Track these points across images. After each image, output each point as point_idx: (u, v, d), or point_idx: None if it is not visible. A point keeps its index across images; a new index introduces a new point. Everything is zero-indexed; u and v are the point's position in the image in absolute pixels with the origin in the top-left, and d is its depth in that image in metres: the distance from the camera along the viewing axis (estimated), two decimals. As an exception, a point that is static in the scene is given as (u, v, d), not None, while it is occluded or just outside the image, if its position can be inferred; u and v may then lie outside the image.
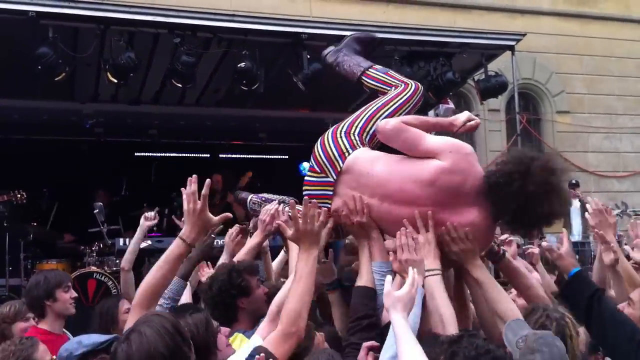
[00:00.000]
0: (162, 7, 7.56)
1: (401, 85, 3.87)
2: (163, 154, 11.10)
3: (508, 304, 3.09)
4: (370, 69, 4.07)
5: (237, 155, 11.62)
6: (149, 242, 7.70)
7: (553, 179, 2.98)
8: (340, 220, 3.47)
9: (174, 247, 3.06)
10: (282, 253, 4.74)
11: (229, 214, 3.58)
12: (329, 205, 3.50)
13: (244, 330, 3.54)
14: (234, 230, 4.66)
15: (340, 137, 3.58)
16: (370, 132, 3.62)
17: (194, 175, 3.10)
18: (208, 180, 3.09)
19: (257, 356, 2.75)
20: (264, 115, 9.92)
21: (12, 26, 6.94)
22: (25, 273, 8.30)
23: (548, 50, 16.34)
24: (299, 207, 3.25)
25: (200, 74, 7.91)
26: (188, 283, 4.10)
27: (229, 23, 7.52)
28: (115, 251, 8.41)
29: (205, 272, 4.56)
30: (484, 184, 3.09)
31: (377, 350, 2.96)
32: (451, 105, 9.82)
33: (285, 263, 4.43)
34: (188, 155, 11.29)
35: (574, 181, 11.88)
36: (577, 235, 12.26)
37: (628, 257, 3.98)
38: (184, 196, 3.09)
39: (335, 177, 3.48)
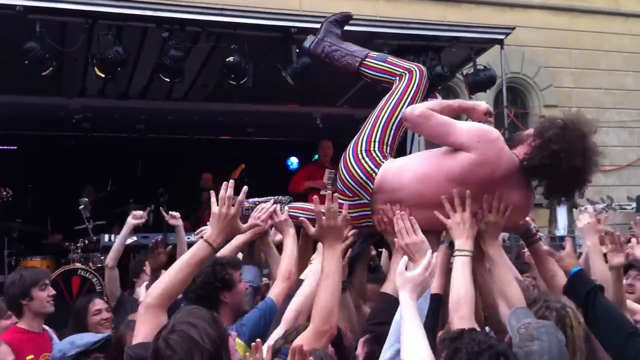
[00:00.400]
0: (151, 1, 7.46)
1: (405, 74, 3.78)
2: (150, 149, 11.01)
3: (515, 288, 3.15)
4: (367, 59, 3.98)
5: (226, 151, 11.55)
6: (135, 238, 7.68)
7: (589, 144, 3.08)
8: (384, 232, 3.48)
9: (198, 249, 2.94)
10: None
11: (259, 223, 3.68)
12: (372, 223, 3.54)
13: (226, 325, 3.51)
14: None
15: (363, 157, 3.55)
16: (389, 142, 3.60)
17: (232, 181, 3.03)
18: (245, 188, 3.05)
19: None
20: (252, 110, 9.86)
21: (-1, 21, 6.85)
22: (10, 270, 8.21)
23: (537, 44, 16.36)
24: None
25: (188, 68, 7.85)
26: None
27: (217, 17, 7.45)
28: (100, 247, 8.39)
29: None
30: (526, 167, 3.15)
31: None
32: (440, 99, 9.81)
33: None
34: (175, 150, 11.20)
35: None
36: (562, 230, 12.35)
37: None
38: (214, 199, 3.03)
39: (369, 198, 3.50)
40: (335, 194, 3.20)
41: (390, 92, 3.76)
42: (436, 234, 3.37)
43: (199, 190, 10.68)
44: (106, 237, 8.42)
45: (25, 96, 8.59)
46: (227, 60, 7.53)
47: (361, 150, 3.58)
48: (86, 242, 8.78)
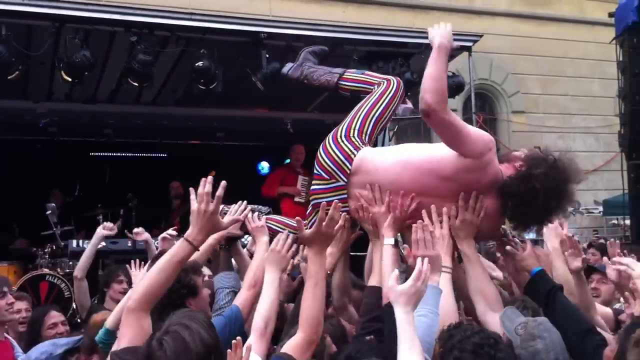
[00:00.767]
0: (119, 4, 7.45)
1: (383, 82, 3.92)
2: (118, 154, 10.91)
3: (491, 286, 3.26)
4: (345, 73, 4.15)
5: (195, 155, 11.48)
6: (103, 243, 7.59)
7: (568, 188, 3.23)
8: (360, 219, 3.54)
9: (179, 249, 2.85)
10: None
11: (240, 217, 3.64)
12: (347, 209, 3.57)
13: None
14: None
15: (342, 140, 3.65)
16: (368, 132, 3.70)
17: (210, 177, 2.95)
18: (224, 182, 2.98)
19: None
20: (222, 114, 9.83)
21: (-36, 24, 6.75)
22: (-24, 276, 8.09)
23: (504, 51, 16.60)
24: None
25: (157, 73, 7.80)
26: None
27: (186, 21, 7.41)
28: (68, 253, 8.27)
29: (139, 273, 4.48)
30: (506, 188, 3.26)
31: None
32: (410, 105, 9.84)
33: None
34: (144, 155, 11.11)
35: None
36: (531, 234, 12.47)
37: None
38: (194, 196, 2.93)
39: (345, 180, 3.56)
40: (339, 204, 3.20)
41: (369, 94, 3.89)
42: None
43: (168, 198, 10.63)
44: (74, 242, 8.31)
45: (-9, 100, 8.48)
46: (197, 64, 7.50)
47: (341, 136, 3.68)
48: (54, 247, 8.67)
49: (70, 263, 8.12)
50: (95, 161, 10.97)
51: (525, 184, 3.19)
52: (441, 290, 3.00)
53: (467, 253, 3.30)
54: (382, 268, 3.28)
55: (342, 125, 3.75)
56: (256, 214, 3.96)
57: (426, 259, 2.82)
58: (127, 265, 4.84)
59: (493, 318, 3.04)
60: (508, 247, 3.39)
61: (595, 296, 4.45)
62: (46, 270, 8.09)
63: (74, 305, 7.07)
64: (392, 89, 3.84)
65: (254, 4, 13.29)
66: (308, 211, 3.96)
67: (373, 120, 3.74)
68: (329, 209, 3.06)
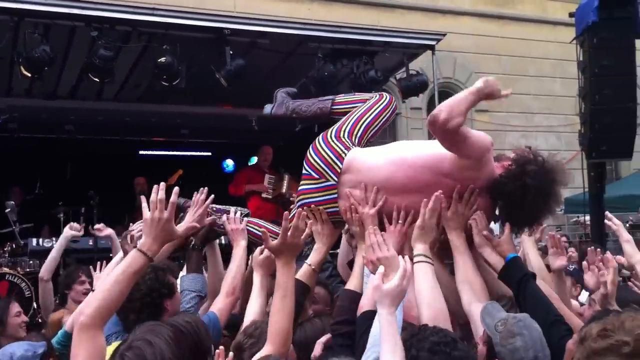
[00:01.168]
0: (79, -1, 7.30)
1: (375, 96, 3.96)
2: (80, 151, 10.75)
3: (478, 277, 3.25)
4: (337, 98, 4.17)
5: (159, 152, 11.39)
6: (63, 241, 7.49)
7: (556, 189, 3.26)
8: (348, 220, 3.51)
9: (133, 260, 2.67)
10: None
11: (196, 225, 3.54)
12: (337, 209, 3.54)
13: None
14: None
15: (332, 140, 3.64)
16: (358, 135, 3.69)
17: (162, 183, 2.85)
18: (176, 188, 2.85)
19: None
20: (186, 111, 9.76)
21: None
22: None
23: (468, 50, 16.75)
24: None
25: (119, 68, 7.72)
26: None
27: (148, 17, 7.34)
28: (28, 252, 8.10)
29: (97, 275, 4.40)
30: (496, 186, 3.29)
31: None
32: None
33: None
34: (106, 152, 10.97)
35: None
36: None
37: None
38: (145, 204, 2.82)
39: (336, 179, 3.52)
40: (304, 212, 3.18)
41: (362, 104, 3.92)
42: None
43: (132, 195, 10.51)
44: (34, 241, 8.15)
45: (-53, 95, 8.31)
46: (159, 60, 7.43)
47: (331, 136, 3.68)
48: (13, 246, 8.49)
49: (31, 262, 7.97)
50: (56, 158, 10.76)
51: (516, 181, 3.22)
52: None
53: (457, 244, 3.31)
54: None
55: (333, 127, 3.76)
56: (238, 214, 3.89)
57: (407, 257, 2.81)
58: (91, 267, 4.77)
59: (478, 308, 3.04)
60: (485, 232, 3.38)
61: None
62: (6, 270, 7.92)
63: (35, 305, 6.95)
64: (384, 101, 3.87)
65: (218, 0, 13.18)
66: (294, 212, 3.90)
67: (364, 125, 3.75)
68: (309, 213, 3.05)
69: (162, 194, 2.81)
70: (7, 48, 7.24)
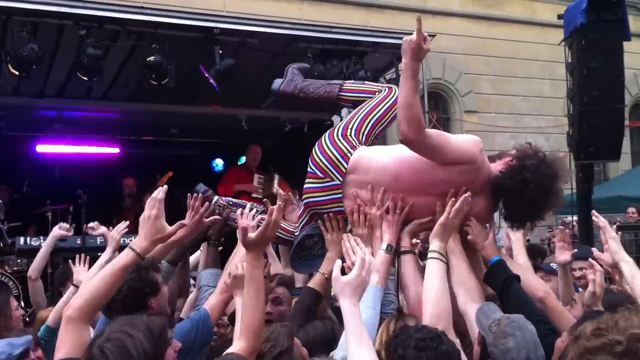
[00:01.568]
0: (68, -4, 7.26)
1: (385, 89, 3.91)
2: (68, 150, 10.70)
3: (474, 279, 3.27)
4: (345, 84, 4.13)
5: (148, 151, 11.34)
6: (51, 240, 7.46)
7: (557, 185, 3.29)
8: (353, 222, 3.50)
9: (121, 256, 2.76)
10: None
11: (185, 222, 3.51)
12: (342, 209, 3.54)
13: None
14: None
15: (338, 139, 3.61)
16: (366, 132, 3.67)
17: (165, 186, 2.91)
18: (165, 187, 2.91)
19: None
20: (175, 110, 9.72)
21: None
22: None
23: (457, 51, 16.79)
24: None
25: (108, 67, 7.68)
26: None
27: (137, 15, 7.31)
28: (15, 250, 8.06)
29: (80, 269, 4.38)
30: (496, 183, 3.31)
31: None
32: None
33: None
34: (94, 151, 10.92)
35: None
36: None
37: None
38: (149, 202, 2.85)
39: (341, 179, 3.51)
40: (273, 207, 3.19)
41: (370, 98, 3.87)
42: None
43: (121, 196, 10.48)
44: (21, 239, 8.11)
45: None
46: (148, 59, 7.40)
47: (337, 134, 3.65)
48: (1, 244, 8.45)
49: (19, 261, 7.95)
50: (44, 156, 10.71)
51: (516, 176, 3.24)
52: (381, 289, 3.01)
53: (452, 246, 3.31)
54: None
55: (340, 124, 3.75)
56: (253, 211, 3.85)
57: (366, 249, 2.82)
58: (70, 261, 4.75)
59: (474, 309, 3.06)
60: (469, 237, 3.40)
61: None
62: (-7, 268, 7.90)
63: (22, 304, 6.92)
64: (393, 96, 3.80)
65: (208, -1, 13.15)
66: (300, 211, 3.95)
67: (372, 122, 3.72)
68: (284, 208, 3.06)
69: (162, 195, 2.85)
70: (-6, 46, 7.22)
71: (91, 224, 5.75)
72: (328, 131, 3.75)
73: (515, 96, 17.60)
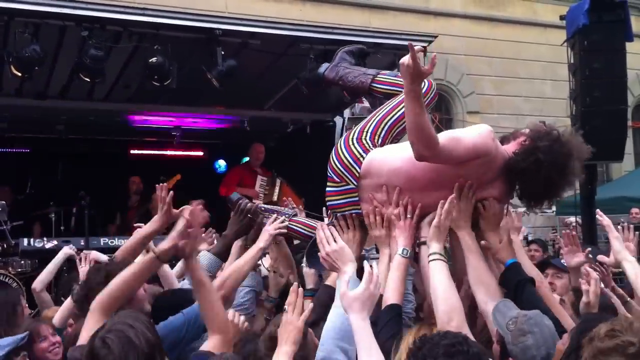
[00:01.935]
0: (70, -2, 7.26)
1: None
2: (71, 151, 10.71)
3: (491, 276, 3.27)
4: (379, 75, 4.12)
5: (150, 152, 11.34)
6: (55, 242, 7.48)
7: (572, 163, 3.27)
8: (370, 224, 3.53)
9: (145, 258, 3.07)
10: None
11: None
12: (360, 212, 3.59)
13: None
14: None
15: (353, 144, 3.65)
16: (382, 134, 3.68)
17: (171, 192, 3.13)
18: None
19: None
20: (177, 111, 9.72)
21: None
22: None
23: (459, 52, 16.78)
24: None
25: (110, 68, 7.67)
26: None
27: (139, 17, 7.29)
28: (19, 251, 8.07)
29: (86, 269, 4.41)
30: (511, 166, 3.32)
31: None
32: (366, 104, 9.90)
33: None
34: (97, 152, 10.93)
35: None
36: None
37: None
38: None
39: (355, 183, 3.55)
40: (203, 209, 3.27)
41: (398, 94, 3.85)
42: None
43: (124, 193, 10.48)
44: (25, 240, 8.10)
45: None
46: (150, 61, 7.40)
47: (352, 139, 3.69)
48: (4, 246, 8.45)
49: (22, 262, 7.96)
50: (47, 158, 10.73)
51: (529, 157, 3.24)
52: (357, 280, 2.99)
53: (468, 243, 3.32)
54: (390, 280, 3.24)
55: (356, 128, 3.78)
56: (281, 219, 4.01)
57: (375, 262, 2.82)
58: (77, 260, 4.78)
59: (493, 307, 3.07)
60: (483, 242, 3.40)
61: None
62: (-3, 270, 7.91)
63: (27, 304, 6.93)
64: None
65: (209, 1, 13.16)
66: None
67: (389, 124, 3.72)
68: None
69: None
70: (-4, 48, 7.22)
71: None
72: (344, 135, 3.79)
73: (517, 97, 17.59)
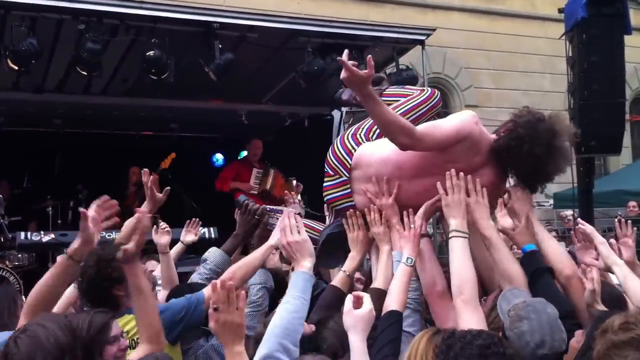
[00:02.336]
0: (66, -9, 7.23)
1: (416, 91, 4.09)
2: (68, 145, 10.68)
3: (517, 267, 3.25)
4: (387, 90, 4.27)
5: (148, 146, 11.31)
6: (52, 235, 7.47)
7: (557, 141, 3.26)
8: (371, 221, 3.55)
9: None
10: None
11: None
12: (352, 203, 3.67)
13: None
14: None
15: (348, 139, 3.77)
16: (377, 130, 3.71)
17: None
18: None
19: None
20: (175, 105, 9.69)
21: None
22: None
23: (457, 46, 16.76)
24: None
25: (107, 62, 7.64)
26: None
27: (136, 10, 7.26)
28: (16, 245, 8.06)
29: None
30: (495, 147, 3.36)
31: None
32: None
33: None
34: (95, 146, 10.90)
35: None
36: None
37: None
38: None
39: (347, 174, 3.65)
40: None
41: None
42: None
43: (123, 185, 10.44)
44: (22, 234, 8.09)
45: None
46: (147, 54, 7.37)
47: (348, 135, 3.81)
48: (1, 239, 8.45)
49: (19, 255, 7.97)
50: (44, 152, 10.70)
51: (510, 134, 3.30)
52: (313, 277, 2.97)
53: (490, 237, 3.29)
54: (394, 287, 3.15)
55: (352, 127, 3.90)
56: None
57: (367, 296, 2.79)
58: None
59: None
60: (500, 227, 3.42)
61: None
62: (-6, 263, 7.90)
63: (23, 298, 6.91)
64: (418, 97, 3.97)
65: (208, -6, 13.09)
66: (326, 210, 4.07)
67: None
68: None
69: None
70: (-7, 41, 7.19)
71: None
72: (340, 134, 3.92)
73: (515, 90, 17.57)
